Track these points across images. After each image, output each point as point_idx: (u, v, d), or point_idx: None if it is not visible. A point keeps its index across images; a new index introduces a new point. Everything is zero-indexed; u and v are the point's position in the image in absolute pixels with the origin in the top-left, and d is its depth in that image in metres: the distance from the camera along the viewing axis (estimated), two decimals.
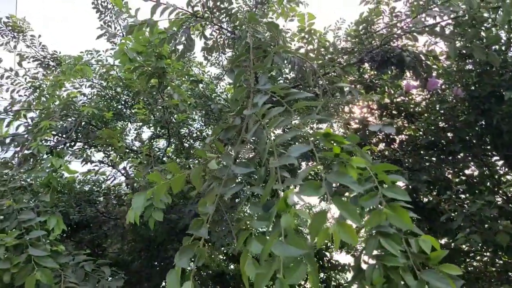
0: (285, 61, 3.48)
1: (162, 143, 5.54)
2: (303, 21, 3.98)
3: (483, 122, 3.55)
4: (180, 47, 2.95)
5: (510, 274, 3.96)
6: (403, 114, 4.04)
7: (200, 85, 4.39)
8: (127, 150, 4.16)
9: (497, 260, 4.08)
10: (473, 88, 3.50)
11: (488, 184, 3.81)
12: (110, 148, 4.00)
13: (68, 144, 3.61)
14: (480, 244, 3.33)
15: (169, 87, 3.40)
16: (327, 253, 5.98)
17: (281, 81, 4.43)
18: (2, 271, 2.34)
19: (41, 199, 2.86)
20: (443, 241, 4.38)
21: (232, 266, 6.02)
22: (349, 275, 5.93)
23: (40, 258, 2.39)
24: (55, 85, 3.93)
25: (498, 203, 3.31)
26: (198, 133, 5.26)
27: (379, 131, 3.52)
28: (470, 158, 3.77)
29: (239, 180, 1.58)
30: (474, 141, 3.65)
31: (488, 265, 4.16)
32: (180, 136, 4.87)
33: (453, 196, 3.26)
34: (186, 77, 4.43)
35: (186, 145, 5.06)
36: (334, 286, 5.94)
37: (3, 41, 4.53)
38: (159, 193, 1.43)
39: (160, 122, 3.79)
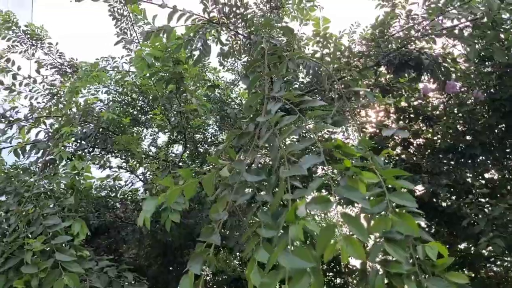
0: (301, 66, 3.48)
1: (177, 148, 5.58)
2: (318, 25, 3.98)
3: (504, 125, 3.51)
4: (197, 53, 2.98)
5: None
6: (420, 118, 4.01)
7: (216, 90, 4.41)
8: (144, 156, 4.19)
9: None
10: (493, 90, 3.47)
11: (509, 187, 3.76)
12: (127, 153, 4.02)
13: (87, 150, 3.65)
14: (502, 249, 3.28)
15: (186, 92, 3.42)
16: None
17: (296, 86, 4.43)
18: (30, 276, 2.37)
19: (65, 203, 2.88)
20: (462, 246, 4.33)
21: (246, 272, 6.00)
22: None
23: (67, 263, 2.41)
24: (72, 91, 3.98)
25: None
26: (212, 138, 5.28)
27: (394, 135, 3.50)
28: (490, 161, 3.72)
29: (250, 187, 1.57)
30: (495, 144, 3.60)
31: (510, 270, 4.10)
32: (195, 141, 4.89)
33: (475, 200, 3.21)
34: (201, 82, 4.45)
35: (201, 150, 5.08)
36: None
37: (21, 49, 4.60)
38: (172, 198, 1.45)
39: (177, 127, 3.82)
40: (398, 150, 4.15)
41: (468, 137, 3.74)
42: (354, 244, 0.92)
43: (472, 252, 4.11)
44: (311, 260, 0.89)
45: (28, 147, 3.50)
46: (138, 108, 4.89)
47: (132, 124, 4.64)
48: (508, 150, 3.71)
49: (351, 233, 0.98)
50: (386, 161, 4.10)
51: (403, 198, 1.14)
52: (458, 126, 3.78)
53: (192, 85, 4.31)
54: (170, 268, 5.04)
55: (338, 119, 1.73)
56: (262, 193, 1.35)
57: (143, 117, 4.87)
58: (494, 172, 3.95)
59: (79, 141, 3.68)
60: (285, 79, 3.82)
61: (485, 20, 3.02)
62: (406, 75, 3.69)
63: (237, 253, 5.51)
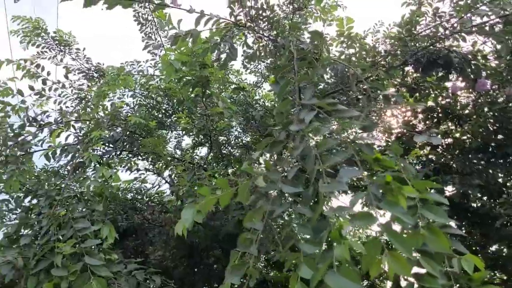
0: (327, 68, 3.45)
1: (200, 150, 5.61)
2: (342, 25, 3.93)
3: None
4: (223, 56, 2.99)
5: None
6: (449, 117, 3.92)
7: (241, 93, 4.42)
8: (169, 158, 4.23)
9: None
10: None
11: None
12: (153, 156, 4.07)
13: (115, 153, 3.71)
14: None
15: (212, 95, 3.44)
16: None
17: (320, 87, 4.39)
18: (59, 279, 2.42)
19: (94, 208, 2.93)
20: (493, 248, 4.21)
21: (272, 274, 5.98)
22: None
23: (96, 267, 2.45)
24: (99, 95, 4.05)
25: None
26: (236, 140, 5.29)
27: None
28: None
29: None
30: None
31: None
32: (218, 143, 4.91)
33: (509, 200, 3.12)
34: (226, 85, 4.47)
35: (225, 152, 5.10)
36: None
37: (50, 55, 4.71)
38: (207, 207, 1.46)
39: (203, 130, 3.84)
40: (426, 150, 4.08)
41: (499, 136, 3.64)
42: (400, 260, 0.91)
43: (504, 254, 4.00)
44: (357, 281, 0.89)
45: (58, 151, 3.58)
46: (163, 111, 4.94)
47: (158, 127, 4.69)
48: None
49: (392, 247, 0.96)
50: (414, 162, 4.04)
51: (436, 213, 1.12)
52: (489, 125, 3.68)
53: (216, 88, 4.34)
54: (196, 270, 5.07)
55: (367, 123, 1.69)
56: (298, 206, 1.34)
57: (168, 120, 4.93)
58: None
59: (107, 144, 3.74)
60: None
61: None
62: (433, 73, 3.63)
63: (263, 256, 5.50)
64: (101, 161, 3.38)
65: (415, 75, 4.05)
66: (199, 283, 4.84)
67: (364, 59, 3.85)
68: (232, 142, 5.28)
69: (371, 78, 3.51)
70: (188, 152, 4.60)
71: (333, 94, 3.95)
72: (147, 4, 4.25)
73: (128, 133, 3.91)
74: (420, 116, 4.13)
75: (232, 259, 1.23)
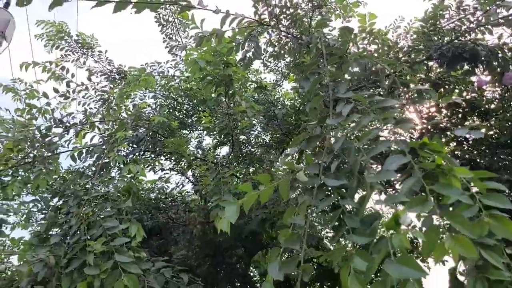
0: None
1: (219, 150, 5.63)
2: (364, 21, 3.90)
3: None
4: (249, 55, 2.99)
5: None
6: (475, 112, 3.85)
7: (262, 91, 4.42)
8: (192, 158, 4.25)
9: None
10: None
11: None
12: (176, 156, 4.10)
13: (139, 153, 3.74)
14: None
15: (236, 95, 3.45)
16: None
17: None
18: (92, 277, 2.45)
19: (121, 206, 2.96)
20: None
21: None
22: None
23: (126, 264, 2.48)
24: (121, 96, 4.10)
25: None
26: (256, 139, 5.30)
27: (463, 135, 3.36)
28: None
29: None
30: None
31: None
32: (239, 142, 4.92)
33: None
34: (247, 84, 4.47)
35: (245, 151, 5.11)
36: None
37: (74, 58, 4.79)
38: (249, 203, 1.46)
39: (225, 129, 3.86)
40: (452, 145, 4.01)
41: None
42: (464, 243, 0.89)
43: None
44: (420, 269, 0.87)
45: (84, 152, 3.64)
46: (184, 112, 4.98)
47: (180, 127, 4.73)
48: None
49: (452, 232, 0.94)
50: None
51: (496, 200, 1.07)
52: None
53: (237, 87, 4.34)
54: (218, 269, 5.08)
55: (401, 119, 1.67)
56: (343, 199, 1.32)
57: (189, 120, 4.96)
58: None
59: (131, 144, 3.78)
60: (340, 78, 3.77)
61: None
62: (458, 68, 3.56)
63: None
64: (126, 161, 3.42)
65: (438, 70, 3.99)
66: (222, 282, 4.85)
67: (387, 54, 3.81)
68: (253, 141, 5.29)
69: (395, 74, 3.47)
70: (209, 151, 4.62)
71: (355, 91, 3.92)
72: (168, 6, 4.30)
73: (151, 133, 3.95)
74: (444, 111, 4.07)
75: (273, 255, 1.22)
